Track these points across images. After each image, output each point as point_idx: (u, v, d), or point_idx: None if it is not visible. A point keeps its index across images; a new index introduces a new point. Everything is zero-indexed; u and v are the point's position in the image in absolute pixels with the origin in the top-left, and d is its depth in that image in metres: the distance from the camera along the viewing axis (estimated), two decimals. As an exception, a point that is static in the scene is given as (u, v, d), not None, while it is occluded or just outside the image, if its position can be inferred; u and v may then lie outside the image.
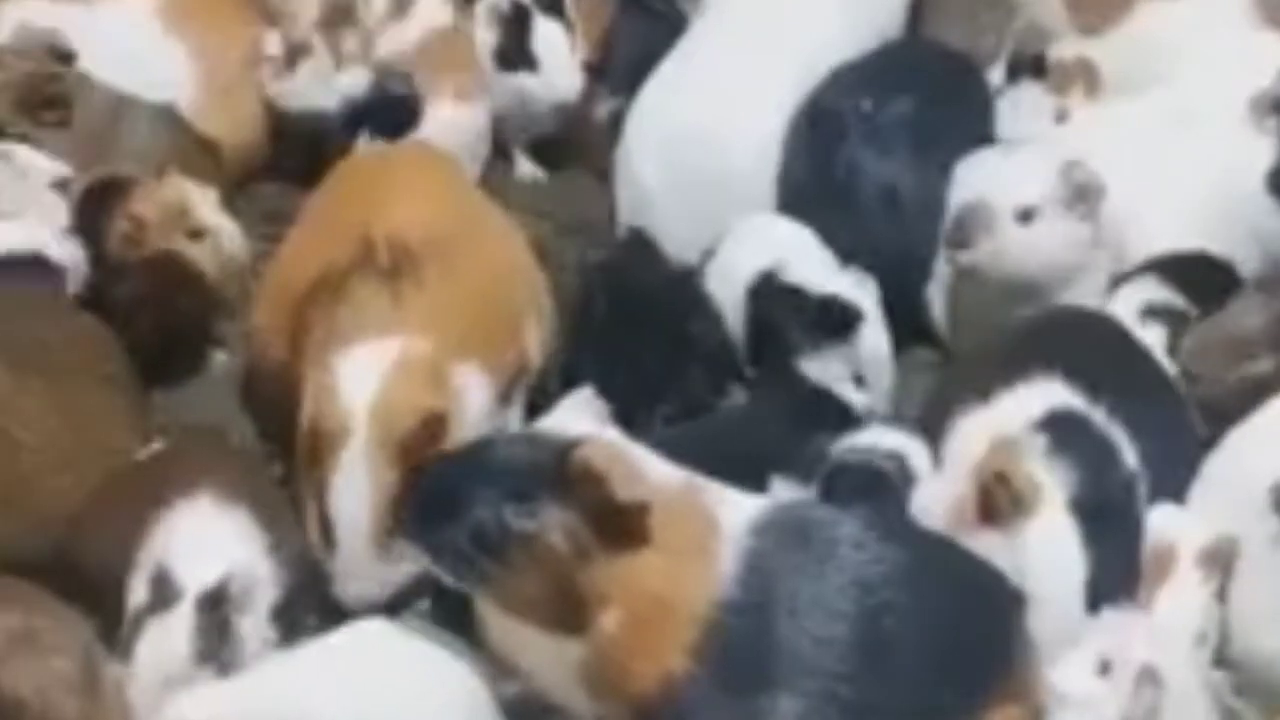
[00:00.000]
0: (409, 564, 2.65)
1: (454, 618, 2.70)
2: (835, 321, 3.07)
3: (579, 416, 2.47)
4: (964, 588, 2.45)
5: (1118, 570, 2.58)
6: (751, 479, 2.66)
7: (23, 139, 3.30)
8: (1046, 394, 2.70)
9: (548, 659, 2.36)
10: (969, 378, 2.86)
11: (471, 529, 2.31)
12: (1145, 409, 2.75)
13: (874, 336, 3.09)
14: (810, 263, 3.19)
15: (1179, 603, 2.54)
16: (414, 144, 3.55)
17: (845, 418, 2.99)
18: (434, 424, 2.76)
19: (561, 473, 2.30)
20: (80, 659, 2.34)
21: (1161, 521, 2.62)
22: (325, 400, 2.78)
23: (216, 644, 2.49)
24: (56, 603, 2.45)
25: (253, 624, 2.55)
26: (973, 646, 2.39)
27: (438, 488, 2.40)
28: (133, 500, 2.65)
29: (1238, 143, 3.30)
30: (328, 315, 2.90)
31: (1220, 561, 2.55)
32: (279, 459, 2.99)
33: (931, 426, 2.84)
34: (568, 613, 2.30)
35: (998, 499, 2.56)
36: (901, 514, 2.70)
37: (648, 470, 2.35)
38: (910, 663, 2.33)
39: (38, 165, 3.21)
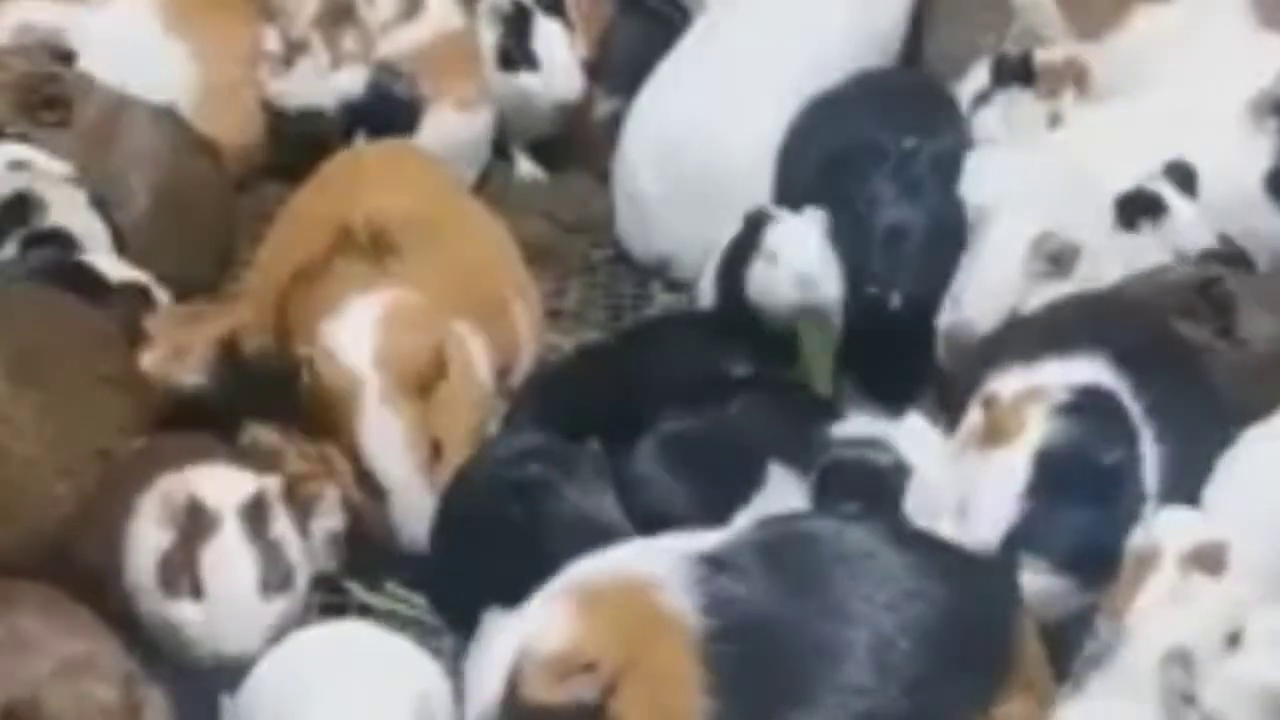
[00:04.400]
0: None
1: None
2: (749, 227, 3.14)
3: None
4: (962, 584, 2.43)
5: (1061, 533, 2.57)
6: (751, 467, 2.71)
7: (22, 138, 3.29)
8: (1089, 370, 2.71)
9: None
10: (1011, 345, 2.85)
11: None
12: (1182, 408, 2.74)
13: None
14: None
15: (1155, 603, 2.52)
16: (392, 141, 3.55)
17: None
18: (439, 353, 2.79)
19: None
20: (124, 688, 2.33)
21: (1157, 524, 2.59)
22: (323, 365, 2.79)
23: (273, 554, 2.51)
24: (103, 627, 2.46)
25: (292, 535, 2.57)
26: (977, 642, 2.39)
27: None
28: (119, 493, 2.63)
29: (1234, 144, 3.31)
30: (309, 297, 2.91)
31: (1207, 565, 2.54)
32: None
33: (962, 387, 2.84)
34: None
35: (985, 421, 2.64)
36: (896, 510, 2.71)
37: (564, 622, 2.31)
38: (918, 665, 2.33)
39: (44, 166, 3.20)
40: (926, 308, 3.08)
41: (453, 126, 3.67)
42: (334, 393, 2.79)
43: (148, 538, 2.54)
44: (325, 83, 3.64)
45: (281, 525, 2.55)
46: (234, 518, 2.50)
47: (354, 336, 2.82)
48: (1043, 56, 3.58)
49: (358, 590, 2.86)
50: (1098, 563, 2.57)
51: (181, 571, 2.49)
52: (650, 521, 2.56)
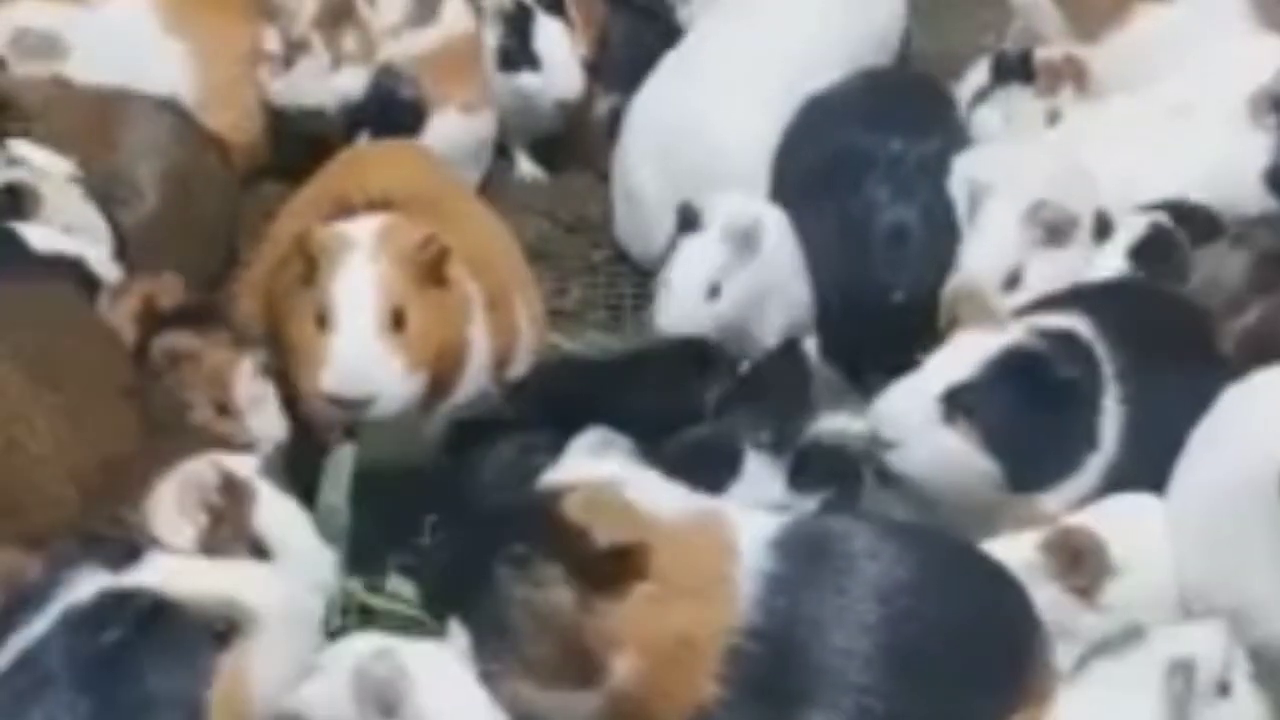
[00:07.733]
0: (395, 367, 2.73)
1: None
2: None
3: (588, 458, 2.50)
4: (982, 592, 2.44)
5: (999, 412, 2.64)
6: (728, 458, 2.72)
7: (24, 134, 3.29)
8: (1069, 321, 2.75)
9: (564, 714, 2.34)
10: None
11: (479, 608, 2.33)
12: (1153, 387, 2.74)
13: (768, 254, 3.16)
14: None
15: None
16: (393, 140, 3.55)
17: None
18: (439, 248, 2.79)
19: (548, 528, 2.29)
20: None
21: (1106, 513, 2.61)
22: (318, 231, 2.78)
23: None
24: None
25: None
26: (995, 650, 2.39)
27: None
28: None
29: (1231, 140, 3.32)
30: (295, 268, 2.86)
31: (1090, 568, 2.55)
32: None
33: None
34: (579, 667, 2.28)
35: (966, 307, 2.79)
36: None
37: (649, 506, 2.33)
38: (936, 670, 2.33)
39: (43, 163, 3.19)
40: (926, 304, 3.08)
41: (457, 129, 3.68)
42: (319, 247, 2.76)
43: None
44: (326, 83, 3.64)
45: None
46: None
47: (354, 228, 2.81)
48: (1042, 54, 3.59)
49: (358, 590, 2.86)
50: (1020, 459, 2.64)
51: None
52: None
